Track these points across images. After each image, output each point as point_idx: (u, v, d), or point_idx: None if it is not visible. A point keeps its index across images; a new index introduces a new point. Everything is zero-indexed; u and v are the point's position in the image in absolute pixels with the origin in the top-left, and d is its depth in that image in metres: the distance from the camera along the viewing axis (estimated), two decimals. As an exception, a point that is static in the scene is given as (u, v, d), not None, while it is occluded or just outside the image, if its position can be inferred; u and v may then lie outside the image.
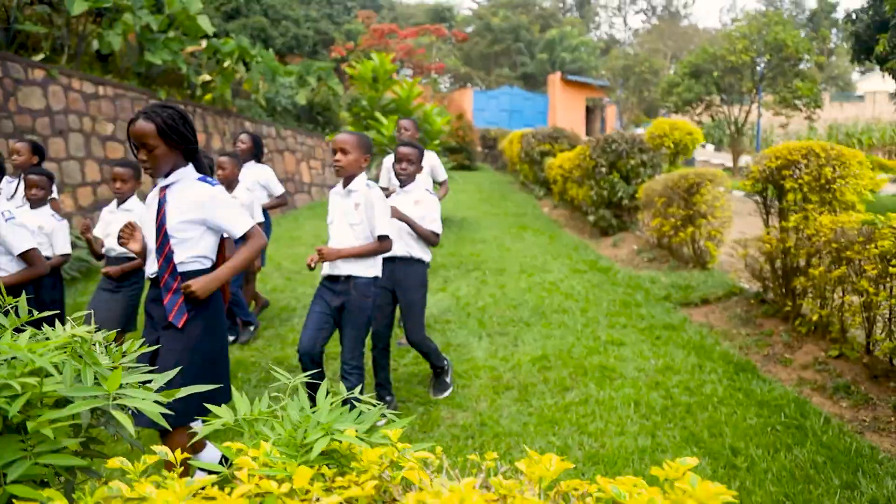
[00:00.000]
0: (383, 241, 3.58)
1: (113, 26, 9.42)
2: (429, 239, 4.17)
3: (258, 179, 5.75)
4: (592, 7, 62.10)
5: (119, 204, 4.38)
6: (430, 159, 5.86)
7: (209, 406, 1.29)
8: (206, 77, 10.82)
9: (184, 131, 2.65)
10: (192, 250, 2.70)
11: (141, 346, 1.40)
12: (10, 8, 8.82)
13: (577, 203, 10.80)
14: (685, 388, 4.20)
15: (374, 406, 1.29)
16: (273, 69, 12.76)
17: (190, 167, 2.74)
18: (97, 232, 4.46)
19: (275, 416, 1.24)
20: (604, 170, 8.94)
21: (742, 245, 5.87)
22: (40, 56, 8.83)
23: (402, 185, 4.26)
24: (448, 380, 4.33)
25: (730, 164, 19.62)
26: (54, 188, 4.73)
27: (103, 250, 4.44)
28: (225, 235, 2.85)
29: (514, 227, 10.77)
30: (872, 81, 35.66)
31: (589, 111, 31.19)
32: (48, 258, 4.03)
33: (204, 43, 10.94)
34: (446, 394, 4.25)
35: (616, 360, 4.78)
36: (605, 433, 3.64)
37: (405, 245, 4.14)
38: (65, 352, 1.23)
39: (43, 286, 3.90)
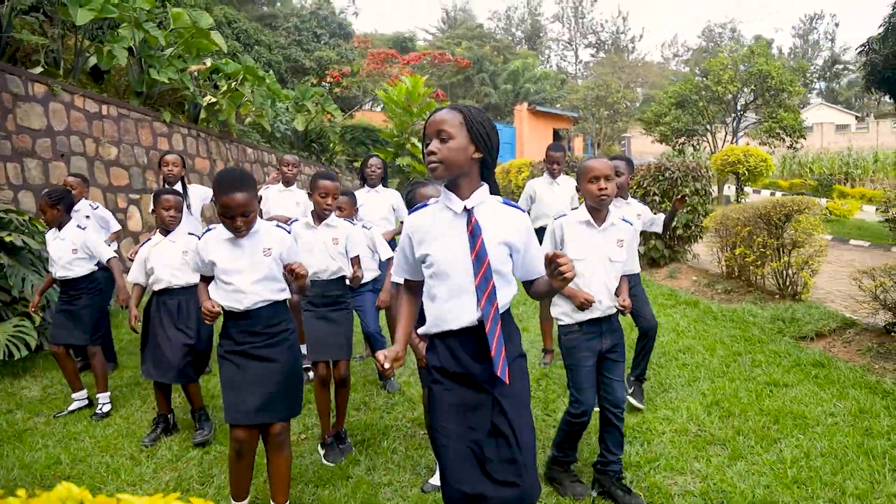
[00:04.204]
0: None
1: (118, 39, 8.47)
2: None
3: (392, 203, 5.63)
4: (543, 41, 63.48)
5: (166, 234, 4.04)
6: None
7: None
8: (211, 99, 9.92)
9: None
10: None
11: None
12: (1, 15, 7.78)
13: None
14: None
15: None
16: (274, 93, 11.92)
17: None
18: (136, 270, 4.09)
19: None
20: (657, 198, 8.51)
21: (870, 275, 5.47)
22: (38, 69, 7.81)
23: None
24: None
25: (714, 192, 19.77)
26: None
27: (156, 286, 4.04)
28: None
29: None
30: (820, 112, 37.36)
31: (555, 140, 31.31)
32: None
33: (208, 62, 10.05)
34: None
35: (795, 403, 4.25)
36: (872, 493, 3.07)
37: None
38: None
39: None
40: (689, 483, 3.33)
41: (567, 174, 5.99)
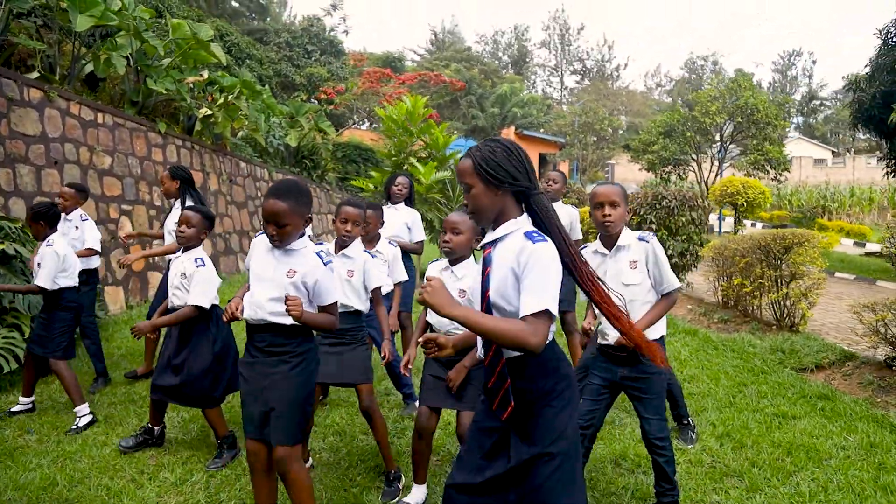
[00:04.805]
0: None
1: (117, 48, 8.36)
2: None
3: (407, 221, 5.62)
4: (529, 66, 64.24)
5: (185, 250, 3.94)
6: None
7: None
8: (207, 111, 9.81)
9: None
10: None
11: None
12: (-2, 19, 7.64)
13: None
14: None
15: None
16: (270, 107, 11.84)
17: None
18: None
19: None
20: (653, 227, 8.55)
21: (871, 309, 5.52)
22: (34, 75, 7.66)
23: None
24: None
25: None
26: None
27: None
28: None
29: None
30: (798, 146, 38.18)
31: (542, 165, 31.57)
32: None
33: (205, 73, 9.97)
34: None
35: (805, 435, 4.26)
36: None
37: None
38: None
39: None
40: (711, 519, 3.28)
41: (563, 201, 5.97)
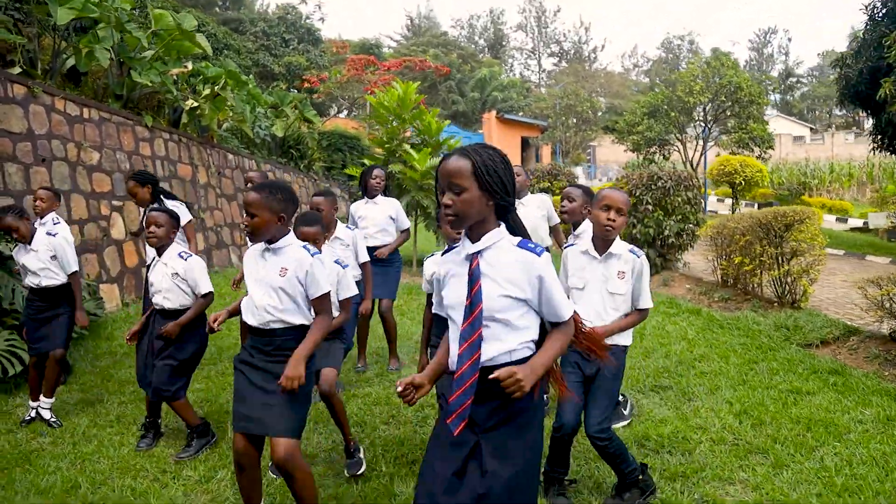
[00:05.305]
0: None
1: (99, 40, 8.14)
2: None
3: (390, 213, 5.57)
4: (506, 49, 64.03)
5: (159, 254, 3.96)
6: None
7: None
8: (193, 103, 9.63)
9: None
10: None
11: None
12: (-24, 13, 7.41)
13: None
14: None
15: None
16: (255, 97, 11.65)
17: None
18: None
19: None
20: (650, 207, 8.58)
21: (876, 284, 5.59)
22: (16, 70, 7.45)
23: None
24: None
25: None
26: None
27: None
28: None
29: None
30: (777, 124, 38.44)
31: (524, 148, 31.56)
32: None
33: (189, 65, 9.77)
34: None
35: (821, 411, 4.31)
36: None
37: None
38: None
39: None
40: (740, 492, 3.31)
41: (531, 191, 5.92)
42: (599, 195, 3.12)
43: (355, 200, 5.92)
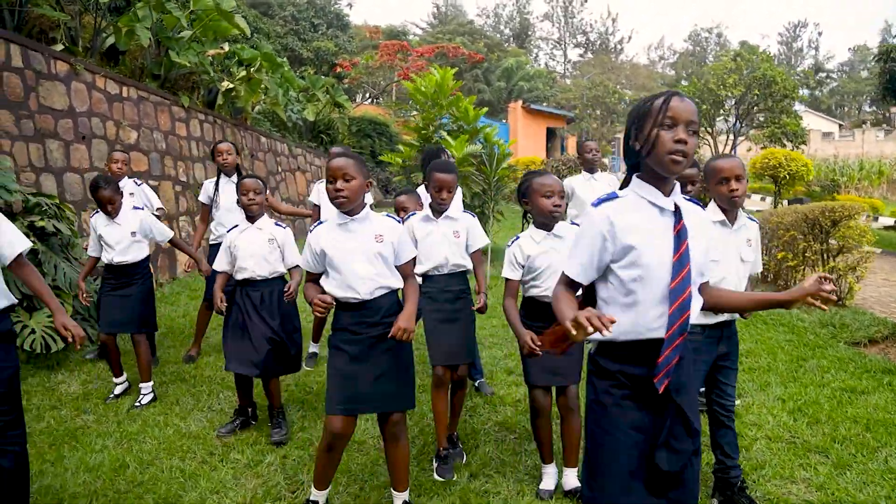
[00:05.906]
0: None
1: (139, 19, 8.13)
2: None
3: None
4: (531, 39, 63.47)
5: (252, 221, 3.90)
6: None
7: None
8: (229, 84, 9.60)
9: None
10: None
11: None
12: (20, -11, 7.40)
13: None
14: None
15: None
16: (288, 81, 11.61)
17: None
18: (222, 257, 3.96)
19: None
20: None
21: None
22: (59, 47, 7.45)
23: None
24: None
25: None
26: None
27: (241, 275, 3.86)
28: None
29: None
30: (806, 119, 37.76)
31: (549, 139, 31.28)
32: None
33: (226, 46, 9.74)
34: None
35: (879, 410, 4.18)
36: None
37: None
38: None
39: None
40: (803, 492, 3.21)
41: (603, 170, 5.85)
42: (711, 170, 2.95)
43: (385, 188, 5.82)
